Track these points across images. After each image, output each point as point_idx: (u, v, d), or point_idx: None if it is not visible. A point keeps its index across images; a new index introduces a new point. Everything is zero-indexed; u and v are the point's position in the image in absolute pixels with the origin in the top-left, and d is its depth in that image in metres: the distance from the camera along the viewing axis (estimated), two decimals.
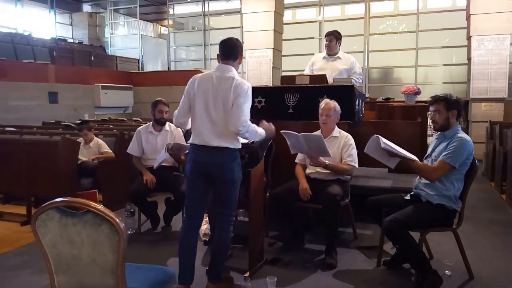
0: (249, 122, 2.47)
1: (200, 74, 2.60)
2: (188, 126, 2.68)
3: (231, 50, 2.58)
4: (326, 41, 4.58)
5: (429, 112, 2.81)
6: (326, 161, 3.18)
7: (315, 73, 4.54)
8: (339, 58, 4.57)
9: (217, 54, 2.62)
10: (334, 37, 4.53)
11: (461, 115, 2.78)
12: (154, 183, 3.70)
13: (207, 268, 2.66)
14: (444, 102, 2.71)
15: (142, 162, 3.93)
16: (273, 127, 2.77)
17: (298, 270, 2.98)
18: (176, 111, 2.64)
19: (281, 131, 3.20)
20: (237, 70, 2.61)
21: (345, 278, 2.84)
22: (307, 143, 3.13)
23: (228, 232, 2.60)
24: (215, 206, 2.69)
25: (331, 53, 4.58)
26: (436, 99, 2.75)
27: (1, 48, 10.08)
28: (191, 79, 2.59)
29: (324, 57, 4.65)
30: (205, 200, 2.67)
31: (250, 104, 2.51)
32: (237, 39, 2.67)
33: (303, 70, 4.88)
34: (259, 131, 2.59)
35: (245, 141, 2.74)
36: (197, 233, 2.67)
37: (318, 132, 3.41)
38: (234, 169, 2.52)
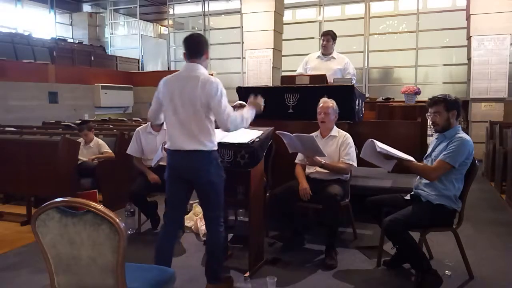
0: (234, 117, 2.42)
1: (168, 76, 2.54)
2: (162, 120, 2.68)
3: (195, 47, 2.49)
4: (323, 41, 4.60)
5: (428, 114, 2.80)
6: (322, 160, 3.18)
7: (309, 72, 4.56)
8: (333, 58, 4.60)
9: (183, 53, 2.53)
10: (331, 37, 4.56)
11: (460, 115, 2.78)
12: (159, 182, 3.70)
13: (205, 269, 2.64)
14: (444, 103, 2.70)
15: (143, 162, 3.93)
16: (260, 100, 2.73)
17: (298, 270, 2.98)
18: (149, 110, 2.65)
19: (277, 131, 3.21)
20: (206, 67, 2.52)
21: (345, 278, 2.84)
22: (301, 143, 3.14)
23: (218, 233, 2.56)
24: (202, 209, 2.67)
25: (326, 53, 4.61)
26: (435, 101, 2.73)
27: (1, 48, 10.08)
28: (160, 81, 2.54)
29: (318, 57, 4.67)
30: (185, 204, 2.65)
31: (226, 98, 2.43)
32: (199, 35, 2.59)
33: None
34: (247, 116, 2.53)
35: (237, 141, 2.73)
36: (175, 238, 2.63)
37: (317, 132, 3.42)
38: (210, 171, 2.45)
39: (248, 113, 2.59)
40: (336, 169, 3.25)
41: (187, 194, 2.61)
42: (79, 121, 5.83)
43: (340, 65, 4.55)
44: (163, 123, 3.93)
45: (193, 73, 2.44)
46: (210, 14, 13.52)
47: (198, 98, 2.36)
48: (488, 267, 2.99)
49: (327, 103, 3.33)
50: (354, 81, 4.52)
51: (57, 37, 13.65)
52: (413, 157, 2.84)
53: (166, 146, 2.57)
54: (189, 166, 2.45)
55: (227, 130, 2.44)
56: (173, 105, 2.43)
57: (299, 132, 3.16)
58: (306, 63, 4.75)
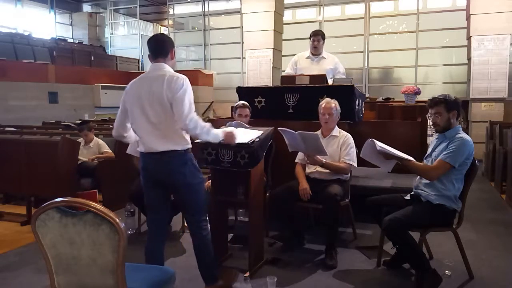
0: (197, 117, 2.30)
1: (133, 80, 2.46)
2: (129, 139, 2.57)
3: (158, 47, 2.40)
4: (314, 41, 4.55)
5: (429, 115, 2.80)
6: (323, 160, 3.18)
7: (299, 72, 4.52)
8: (323, 58, 4.59)
9: (148, 55, 2.46)
10: (321, 37, 4.54)
11: (460, 114, 2.78)
12: None
13: (200, 273, 2.58)
14: (444, 103, 2.70)
15: None
16: (234, 137, 2.56)
17: (298, 270, 2.98)
18: (115, 123, 2.55)
19: (279, 128, 3.20)
20: (173, 67, 2.43)
21: (345, 278, 2.84)
22: (304, 141, 3.13)
23: (202, 237, 2.50)
24: (183, 213, 2.63)
25: (317, 53, 4.58)
26: (436, 102, 2.72)
27: (1, 48, 10.10)
28: (127, 85, 2.47)
29: (308, 57, 4.64)
30: (165, 207, 2.56)
31: (192, 97, 2.33)
32: (163, 34, 2.54)
33: None
34: (213, 131, 2.40)
35: (237, 141, 2.68)
36: (162, 241, 2.58)
37: (318, 132, 3.41)
38: (185, 173, 2.37)
39: (216, 130, 2.44)
40: (337, 168, 3.25)
41: (166, 197, 2.53)
42: (79, 121, 5.84)
43: (331, 65, 4.54)
44: None
45: (158, 72, 2.35)
46: (210, 14, 13.53)
47: (165, 96, 2.27)
48: (488, 267, 2.99)
49: (329, 104, 3.33)
50: None
51: (57, 37, 13.67)
52: (413, 157, 2.84)
53: (138, 149, 2.48)
54: (162, 168, 2.36)
55: (186, 128, 2.29)
56: (141, 106, 2.34)
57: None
58: (295, 63, 4.71)
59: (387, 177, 4.03)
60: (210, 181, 3.10)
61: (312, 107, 3.49)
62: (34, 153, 4.20)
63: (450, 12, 10.58)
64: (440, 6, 11.03)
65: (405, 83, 10.38)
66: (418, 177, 2.87)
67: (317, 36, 4.54)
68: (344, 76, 4.56)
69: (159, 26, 17.69)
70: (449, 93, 2.78)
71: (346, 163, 3.26)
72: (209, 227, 3.11)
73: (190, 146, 2.42)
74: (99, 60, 13.00)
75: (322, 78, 3.98)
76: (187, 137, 2.40)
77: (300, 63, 4.68)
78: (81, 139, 4.75)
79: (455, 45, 10.28)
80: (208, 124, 2.39)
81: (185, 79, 2.33)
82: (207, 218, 2.60)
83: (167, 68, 2.39)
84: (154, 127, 2.34)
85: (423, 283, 2.57)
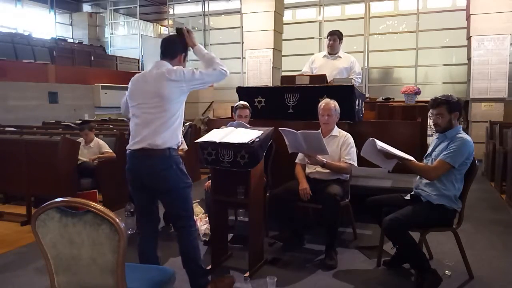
0: (205, 71, 2.39)
1: (137, 74, 2.50)
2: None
3: (166, 47, 2.44)
4: (330, 40, 4.63)
5: (430, 114, 2.79)
6: (324, 160, 3.18)
7: (315, 71, 4.59)
8: (339, 57, 4.66)
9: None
10: (337, 37, 4.60)
11: (461, 115, 2.78)
12: None
13: (189, 282, 2.51)
14: (447, 105, 2.69)
15: None
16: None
17: (298, 270, 2.98)
18: (122, 103, 2.61)
19: (279, 128, 3.20)
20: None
21: (345, 278, 2.84)
22: (305, 141, 3.13)
23: (187, 241, 2.42)
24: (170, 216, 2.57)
25: (333, 52, 4.65)
26: (438, 103, 2.71)
27: (1, 48, 10.10)
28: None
29: (324, 56, 4.73)
30: (154, 208, 2.52)
31: (192, 70, 2.38)
32: (177, 37, 2.52)
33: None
34: (210, 55, 2.49)
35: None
36: (154, 241, 2.54)
37: (318, 131, 3.41)
38: (169, 178, 2.31)
39: (207, 52, 2.54)
40: (337, 168, 3.25)
41: (153, 200, 2.49)
42: (79, 121, 5.84)
43: (347, 64, 4.61)
44: None
45: (159, 69, 2.37)
46: (210, 14, 13.52)
47: (167, 91, 2.29)
48: (488, 267, 2.99)
49: (329, 104, 3.33)
50: (359, 80, 4.58)
51: (57, 37, 13.67)
52: (413, 157, 2.84)
53: (127, 147, 2.46)
54: (144, 169, 2.32)
55: (224, 74, 2.45)
56: (137, 102, 2.38)
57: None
58: (312, 62, 4.80)
59: (387, 177, 4.03)
60: (210, 181, 3.10)
61: (312, 107, 3.49)
62: (34, 153, 4.20)
63: (450, 12, 10.58)
64: (440, 6, 11.02)
65: (405, 83, 10.37)
66: (418, 177, 2.87)
67: (333, 36, 4.61)
68: (360, 76, 4.62)
69: (159, 26, 17.70)
70: (451, 94, 2.77)
71: (346, 163, 3.26)
72: (209, 229, 3.10)
73: (177, 149, 2.40)
74: (99, 60, 13.01)
75: (322, 78, 3.98)
76: (178, 138, 2.41)
77: (316, 62, 4.76)
78: (81, 139, 4.75)
79: (455, 45, 10.27)
80: (208, 62, 2.46)
81: (182, 68, 2.38)
82: (195, 223, 2.56)
83: (168, 65, 2.40)
84: (149, 122, 2.33)
85: (423, 283, 2.57)
